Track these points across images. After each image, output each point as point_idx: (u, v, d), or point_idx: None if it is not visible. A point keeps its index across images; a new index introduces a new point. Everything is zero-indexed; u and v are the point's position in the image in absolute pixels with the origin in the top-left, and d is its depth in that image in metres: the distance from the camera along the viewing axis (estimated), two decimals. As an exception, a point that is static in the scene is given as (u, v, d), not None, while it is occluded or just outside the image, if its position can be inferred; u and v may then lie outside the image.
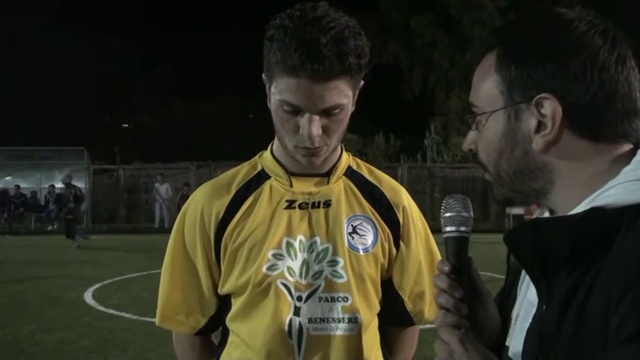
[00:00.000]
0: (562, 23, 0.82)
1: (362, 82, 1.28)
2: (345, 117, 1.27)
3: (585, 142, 0.80)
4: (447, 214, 0.92)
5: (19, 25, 31.76)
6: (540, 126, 0.81)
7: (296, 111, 1.21)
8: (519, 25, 0.89)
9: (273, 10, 1.23)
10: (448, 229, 0.91)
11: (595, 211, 0.76)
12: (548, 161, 0.82)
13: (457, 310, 0.86)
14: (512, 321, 0.90)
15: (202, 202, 1.37)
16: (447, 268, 0.89)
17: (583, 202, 0.79)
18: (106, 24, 37.18)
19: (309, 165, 1.29)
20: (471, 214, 0.92)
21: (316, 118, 1.21)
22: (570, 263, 0.77)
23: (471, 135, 0.90)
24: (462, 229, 0.91)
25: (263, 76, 1.28)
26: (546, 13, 0.87)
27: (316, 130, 1.21)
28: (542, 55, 0.80)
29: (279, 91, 1.21)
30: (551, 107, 0.79)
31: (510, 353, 0.88)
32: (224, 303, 1.38)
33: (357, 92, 1.28)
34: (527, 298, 0.87)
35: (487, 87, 0.86)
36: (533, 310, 0.84)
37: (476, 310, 0.91)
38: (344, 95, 1.22)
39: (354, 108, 1.30)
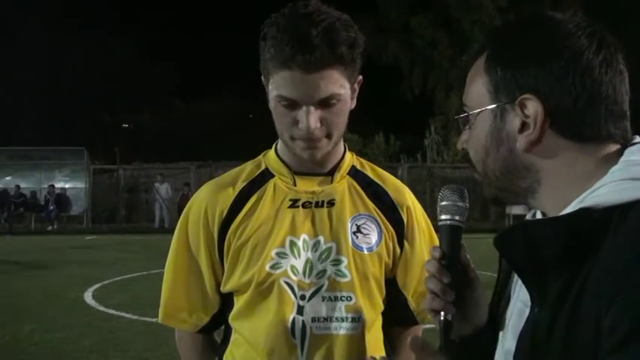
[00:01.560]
0: (549, 25, 0.83)
1: (360, 77, 1.29)
2: (344, 108, 1.27)
3: (569, 143, 0.81)
4: (443, 203, 0.95)
5: (19, 25, 31.78)
6: (524, 126, 0.82)
7: (293, 105, 1.22)
8: (509, 28, 0.91)
9: (272, 10, 1.24)
10: (443, 217, 0.95)
11: (584, 212, 0.76)
12: (533, 161, 0.83)
13: (444, 294, 0.90)
14: (507, 321, 0.91)
15: (206, 201, 1.37)
16: (437, 254, 0.93)
17: (572, 203, 0.79)
18: (107, 23, 37.24)
19: (309, 159, 1.29)
20: (467, 204, 0.95)
21: (313, 109, 1.21)
22: (561, 265, 0.77)
23: (464, 135, 0.92)
24: (457, 217, 0.94)
25: (262, 78, 1.29)
26: (536, 15, 0.88)
27: (314, 122, 1.22)
28: (527, 56, 0.82)
29: (275, 87, 1.23)
30: (533, 108, 0.81)
31: (504, 351, 0.89)
32: (227, 301, 1.38)
33: (355, 87, 1.29)
34: (520, 298, 0.88)
35: (476, 87, 0.88)
36: (527, 310, 0.85)
37: (464, 296, 0.94)
38: (339, 85, 1.22)
39: (354, 104, 1.31)
